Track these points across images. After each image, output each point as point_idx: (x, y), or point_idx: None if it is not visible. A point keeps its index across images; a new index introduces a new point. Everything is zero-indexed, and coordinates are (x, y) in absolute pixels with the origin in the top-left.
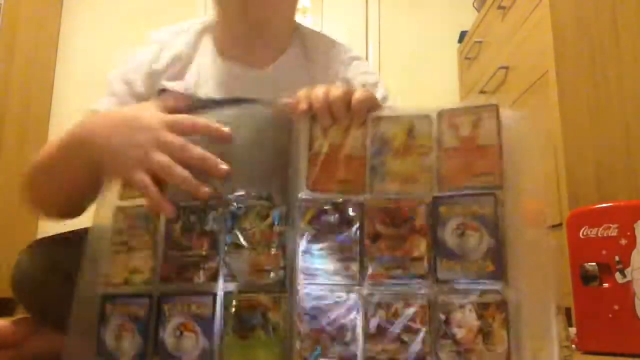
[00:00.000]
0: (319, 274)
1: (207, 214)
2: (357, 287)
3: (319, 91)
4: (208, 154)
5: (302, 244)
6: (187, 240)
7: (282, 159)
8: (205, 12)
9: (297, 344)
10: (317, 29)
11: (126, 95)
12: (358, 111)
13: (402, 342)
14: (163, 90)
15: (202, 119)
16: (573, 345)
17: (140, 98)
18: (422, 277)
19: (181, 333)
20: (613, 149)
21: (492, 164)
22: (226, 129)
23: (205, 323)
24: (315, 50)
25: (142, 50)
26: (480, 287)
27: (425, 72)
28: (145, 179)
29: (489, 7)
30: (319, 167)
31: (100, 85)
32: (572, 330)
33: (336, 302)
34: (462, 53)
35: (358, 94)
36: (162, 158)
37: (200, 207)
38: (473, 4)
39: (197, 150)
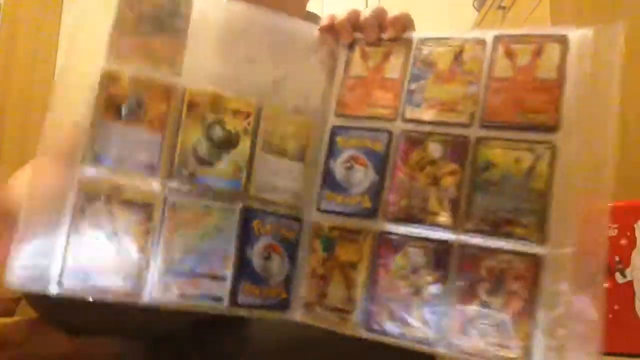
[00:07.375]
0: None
1: None
2: None
3: (350, 12)
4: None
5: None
6: None
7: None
8: None
9: None
10: None
11: None
12: (393, 25)
13: None
14: None
15: None
16: None
17: None
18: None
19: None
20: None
21: (549, 100)
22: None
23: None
24: None
25: None
26: None
27: None
28: None
29: (489, 7)
30: (353, 91)
31: None
32: None
33: None
34: None
35: (394, 12)
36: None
37: None
38: (473, 4)
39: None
